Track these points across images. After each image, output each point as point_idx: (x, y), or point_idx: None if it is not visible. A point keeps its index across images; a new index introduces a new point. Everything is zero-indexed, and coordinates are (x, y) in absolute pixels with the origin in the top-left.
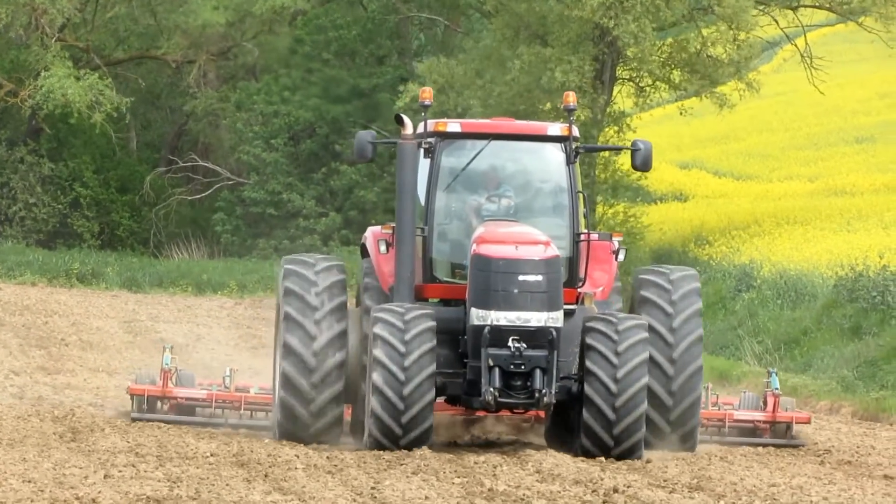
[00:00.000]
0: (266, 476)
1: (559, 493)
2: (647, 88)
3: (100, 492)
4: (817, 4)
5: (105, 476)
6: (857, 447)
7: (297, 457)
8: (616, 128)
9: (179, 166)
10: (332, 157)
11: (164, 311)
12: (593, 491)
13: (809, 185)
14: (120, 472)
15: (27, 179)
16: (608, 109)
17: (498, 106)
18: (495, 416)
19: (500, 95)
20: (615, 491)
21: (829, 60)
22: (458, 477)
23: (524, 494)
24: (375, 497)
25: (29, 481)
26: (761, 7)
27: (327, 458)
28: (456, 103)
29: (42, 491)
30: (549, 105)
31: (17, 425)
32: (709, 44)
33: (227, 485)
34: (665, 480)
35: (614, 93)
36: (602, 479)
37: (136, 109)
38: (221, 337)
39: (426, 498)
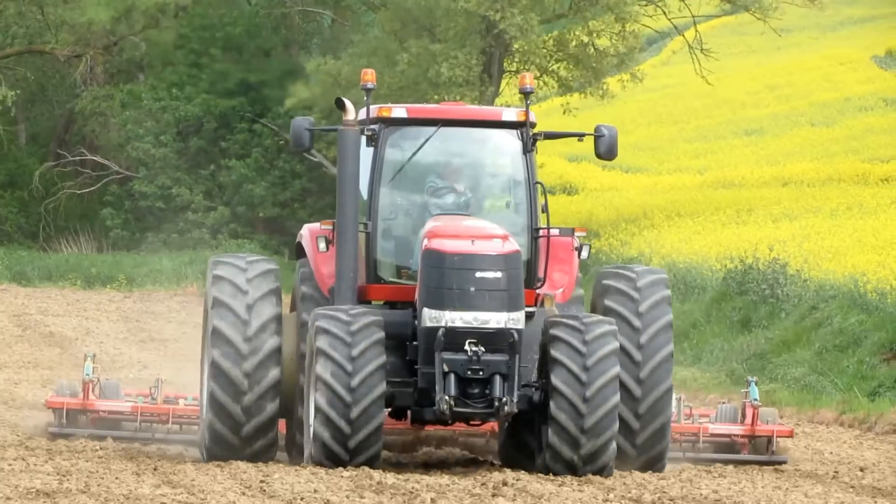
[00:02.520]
0: (155, 469)
1: (448, 486)
2: (535, 81)
3: None
4: None
5: None
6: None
7: (187, 450)
8: None
9: (68, 160)
10: (220, 152)
11: (54, 304)
12: (482, 484)
13: (699, 177)
14: (10, 465)
15: None
16: (496, 102)
17: (387, 99)
18: (445, 429)
19: (388, 88)
20: (504, 484)
21: (718, 52)
22: (347, 470)
23: (413, 487)
24: (265, 490)
25: None
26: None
27: None
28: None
29: None
30: (436, 98)
31: None
32: (595, 35)
33: (116, 478)
34: (555, 474)
35: (502, 86)
36: (491, 473)
37: (24, 103)
38: (110, 330)
39: (315, 491)
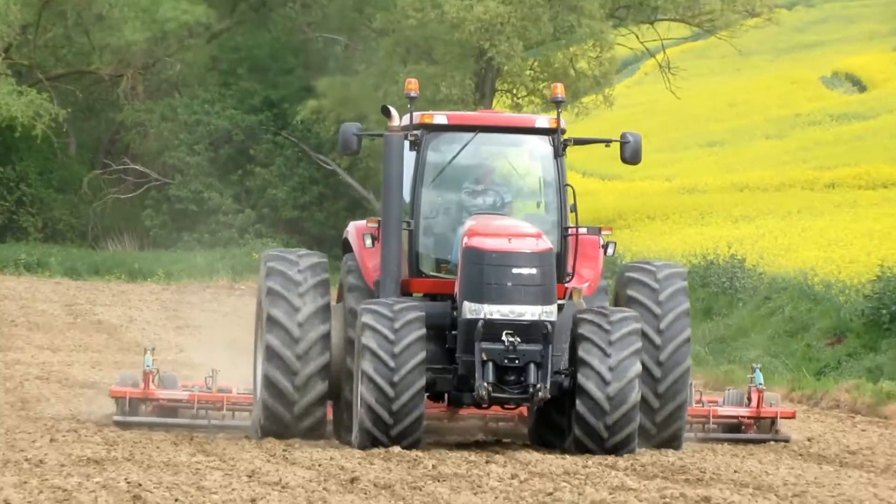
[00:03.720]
0: (191, 440)
1: (448, 454)
2: (523, 100)
3: (46, 454)
4: (672, 18)
5: (51, 440)
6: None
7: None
8: None
9: (113, 168)
10: (247, 160)
11: (101, 295)
12: (477, 452)
13: (667, 184)
14: (63, 436)
15: None
16: None
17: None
18: (477, 412)
19: (393, 104)
20: (496, 453)
21: (685, 70)
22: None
23: (417, 455)
24: (287, 458)
25: None
26: (622, 23)
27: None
28: (355, 113)
29: None
30: None
31: None
32: (575, 59)
33: (157, 447)
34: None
35: (494, 104)
36: (485, 445)
37: (74, 118)
38: (151, 318)
39: (331, 458)
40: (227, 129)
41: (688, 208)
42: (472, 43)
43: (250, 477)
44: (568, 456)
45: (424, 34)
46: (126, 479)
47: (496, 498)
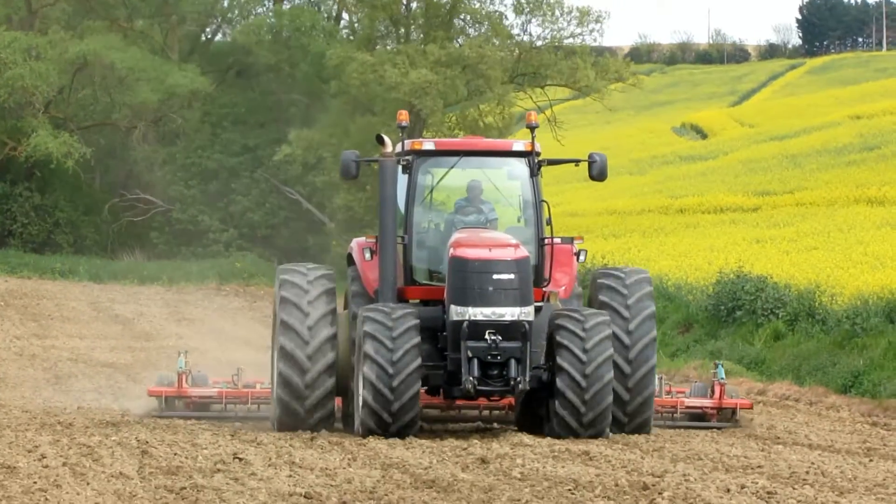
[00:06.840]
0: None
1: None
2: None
3: (74, 418)
4: (558, 84)
5: (78, 407)
6: None
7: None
8: None
9: (128, 198)
10: (230, 192)
11: (118, 295)
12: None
13: (554, 209)
14: (88, 404)
15: (24, 207)
16: None
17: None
18: (472, 403)
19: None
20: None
21: (567, 124)
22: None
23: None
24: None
25: (26, 411)
26: (519, 87)
27: None
28: (316, 157)
29: (35, 418)
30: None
31: (18, 373)
32: (483, 114)
33: (160, 412)
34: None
35: None
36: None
37: (98, 158)
38: (157, 313)
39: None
40: (215, 169)
41: (570, 229)
42: (406, 100)
43: (233, 436)
44: (479, 423)
45: (368, 94)
46: (136, 437)
47: (423, 452)
